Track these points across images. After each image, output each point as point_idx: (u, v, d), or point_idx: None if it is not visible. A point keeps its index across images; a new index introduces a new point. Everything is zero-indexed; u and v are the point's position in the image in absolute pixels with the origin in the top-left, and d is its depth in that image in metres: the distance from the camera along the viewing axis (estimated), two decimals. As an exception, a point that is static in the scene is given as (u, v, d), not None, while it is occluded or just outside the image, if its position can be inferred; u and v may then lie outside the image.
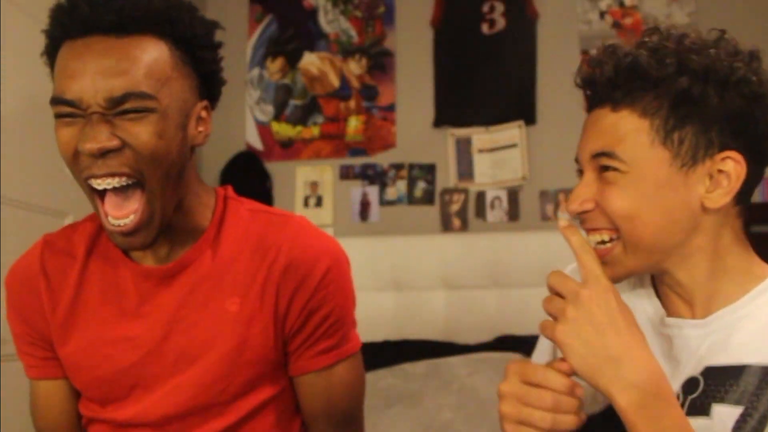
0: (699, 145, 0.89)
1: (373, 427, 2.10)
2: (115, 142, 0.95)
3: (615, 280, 0.92)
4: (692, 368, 0.91)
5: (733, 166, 0.89)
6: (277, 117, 3.25)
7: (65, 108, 0.96)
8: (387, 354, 2.51)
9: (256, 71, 3.29)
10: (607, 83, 0.92)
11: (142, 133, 0.96)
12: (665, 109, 0.89)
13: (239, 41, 3.31)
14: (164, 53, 0.99)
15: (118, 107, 0.95)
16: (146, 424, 1.07)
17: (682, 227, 0.90)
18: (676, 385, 0.90)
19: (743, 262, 0.94)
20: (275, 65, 3.28)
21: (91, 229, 1.14)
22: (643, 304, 0.98)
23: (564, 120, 2.84)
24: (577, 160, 0.97)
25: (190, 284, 1.07)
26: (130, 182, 0.98)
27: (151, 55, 0.98)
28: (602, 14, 3.01)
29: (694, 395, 0.89)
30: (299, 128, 3.23)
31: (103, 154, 0.95)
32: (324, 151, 3.20)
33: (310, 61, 3.25)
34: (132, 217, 0.99)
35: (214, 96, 1.12)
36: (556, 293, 0.89)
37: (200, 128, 1.07)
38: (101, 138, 0.94)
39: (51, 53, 1.01)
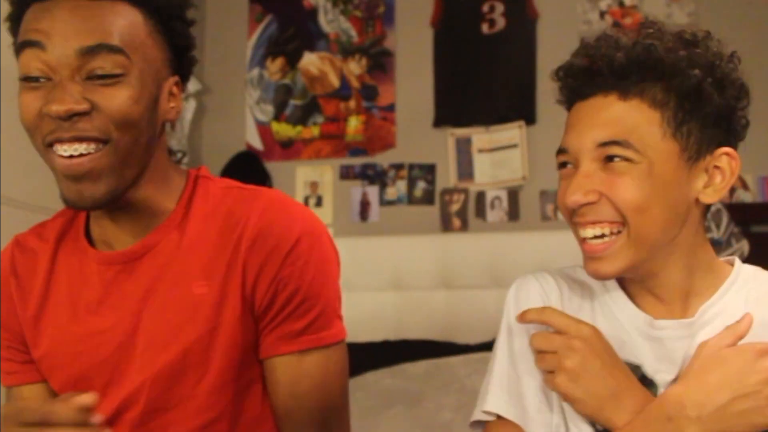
0: (703, 139, 0.89)
1: (373, 427, 2.10)
2: (84, 105, 0.89)
3: (609, 275, 0.92)
4: None
5: (727, 162, 0.90)
6: (277, 117, 3.25)
7: (31, 59, 0.90)
8: (387, 354, 2.51)
9: (256, 71, 3.29)
10: (617, 71, 0.90)
11: (116, 96, 0.91)
12: (673, 101, 0.89)
13: (239, 41, 3.31)
14: (138, 18, 0.95)
15: (90, 63, 0.89)
16: (125, 422, 1.01)
17: (680, 222, 0.91)
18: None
19: (708, 256, 0.96)
20: (275, 65, 3.28)
21: (61, 223, 1.09)
22: (625, 311, 0.96)
23: (564, 120, 2.83)
24: (563, 152, 0.95)
25: (156, 269, 1.00)
26: (98, 149, 0.91)
27: (125, 17, 0.93)
28: (602, 14, 3.01)
29: None
30: (299, 128, 3.23)
31: (71, 116, 0.89)
32: (324, 151, 3.20)
33: (310, 61, 3.25)
34: (90, 156, 0.91)
35: (185, 75, 1.06)
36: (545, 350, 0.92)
37: (172, 104, 1.02)
38: (69, 100, 0.89)
39: (16, 19, 0.96)
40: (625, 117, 0.89)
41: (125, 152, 0.93)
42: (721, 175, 0.91)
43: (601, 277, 0.93)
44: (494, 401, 0.97)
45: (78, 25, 0.90)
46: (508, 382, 0.97)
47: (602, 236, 0.90)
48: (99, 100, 0.90)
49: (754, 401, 0.83)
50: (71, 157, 0.91)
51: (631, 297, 0.97)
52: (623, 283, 0.98)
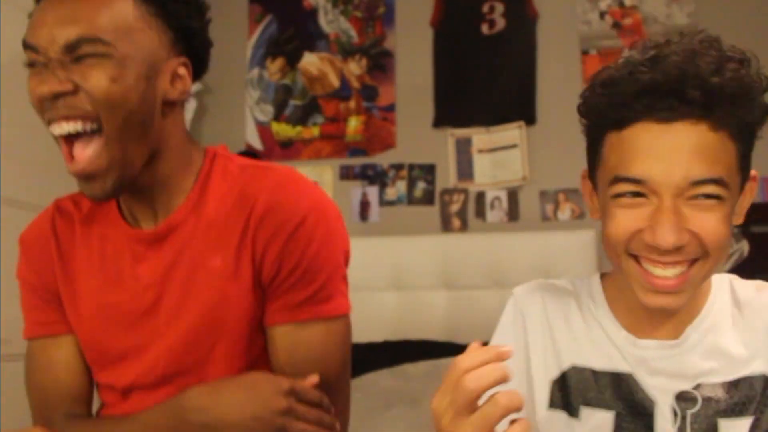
0: (749, 168, 0.86)
1: (373, 428, 2.10)
2: (67, 86, 0.97)
3: (676, 309, 0.87)
4: (684, 382, 0.90)
5: (750, 187, 0.88)
6: (277, 117, 3.25)
7: (30, 54, 1.00)
8: (387, 354, 2.50)
9: (256, 71, 3.29)
10: (712, 99, 0.80)
11: (94, 76, 0.97)
12: (747, 133, 0.83)
13: (239, 41, 3.31)
14: (128, 4, 1.01)
15: (74, 52, 0.97)
16: (141, 387, 1.09)
17: None
18: (668, 398, 0.89)
19: None
20: (275, 65, 3.28)
21: None
22: (607, 326, 0.94)
23: (564, 120, 2.84)
24: (636, 182, 0.83)
25: (178, 245, 1.08)
26: (87, 128, 0.99)
27: (113, 5, 1.00)
28: (602, 14, 3.01)
29: (694, 410, 0.88)
30: (299, 128, 3.23)
31: (57, 97, 0.97)
32: (324, 151, 3.20)
33: (310, 61, 3.25)
34: (90, 159, 0.99)
35: (200, 57, 1.14)
36: None
37: (177, 85, 1.07)
38: (53, 81, 0.97)
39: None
40: (719, 152, 0.81)
41: (120, 140, 0.99)
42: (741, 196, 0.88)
43: (666, 310, 0.87)
44: None
45: (63, 19, 0.98)
46: None
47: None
48: (80, 81, 0.97)
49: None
50: (69, 137, 0.99)
51: (615, 313, 0.94)
52: (606, 295, 0.96)
